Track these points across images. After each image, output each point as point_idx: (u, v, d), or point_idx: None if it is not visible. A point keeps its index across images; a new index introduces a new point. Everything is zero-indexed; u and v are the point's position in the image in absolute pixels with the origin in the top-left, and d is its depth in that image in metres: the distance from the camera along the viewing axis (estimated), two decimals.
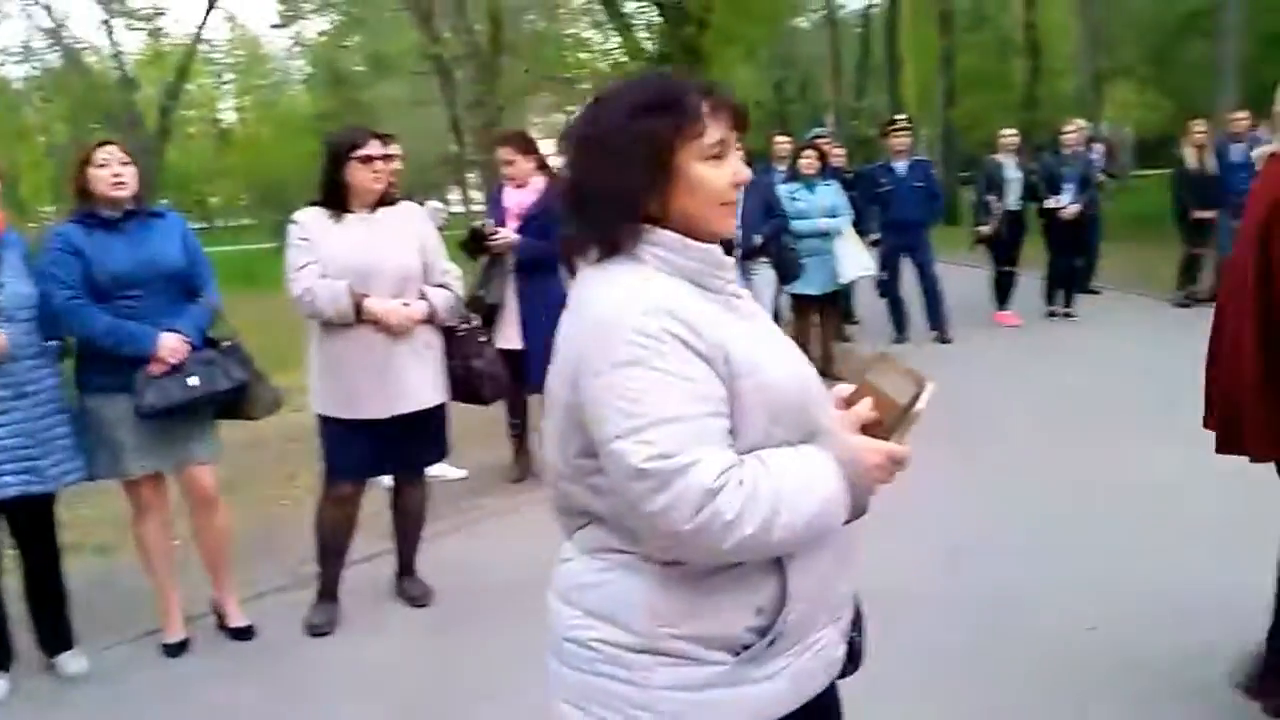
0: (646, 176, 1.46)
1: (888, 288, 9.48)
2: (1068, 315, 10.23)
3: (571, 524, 1.59)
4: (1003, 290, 10.29)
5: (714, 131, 1.48)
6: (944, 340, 9.31)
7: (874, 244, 9.24)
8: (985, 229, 10.00)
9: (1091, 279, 11.27)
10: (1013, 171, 9.99)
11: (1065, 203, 9.90)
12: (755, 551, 1.40)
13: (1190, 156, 10.24)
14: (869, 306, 10.08)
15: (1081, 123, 11.47)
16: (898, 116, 10.15)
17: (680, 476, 1.34)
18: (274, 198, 36.44)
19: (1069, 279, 10.41)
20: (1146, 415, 6.32)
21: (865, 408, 1.53)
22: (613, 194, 1.47)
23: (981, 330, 9.79)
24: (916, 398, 1.51)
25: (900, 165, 9.28)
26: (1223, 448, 2.89)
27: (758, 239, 7.07)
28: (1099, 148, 12.12)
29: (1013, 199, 9.98)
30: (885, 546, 3.75)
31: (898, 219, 9.20)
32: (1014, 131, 10.38)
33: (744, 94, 23.36)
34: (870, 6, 30.07)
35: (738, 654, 1.47)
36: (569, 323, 1.53)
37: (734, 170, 1.51)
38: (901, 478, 1.54)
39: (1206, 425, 2.99)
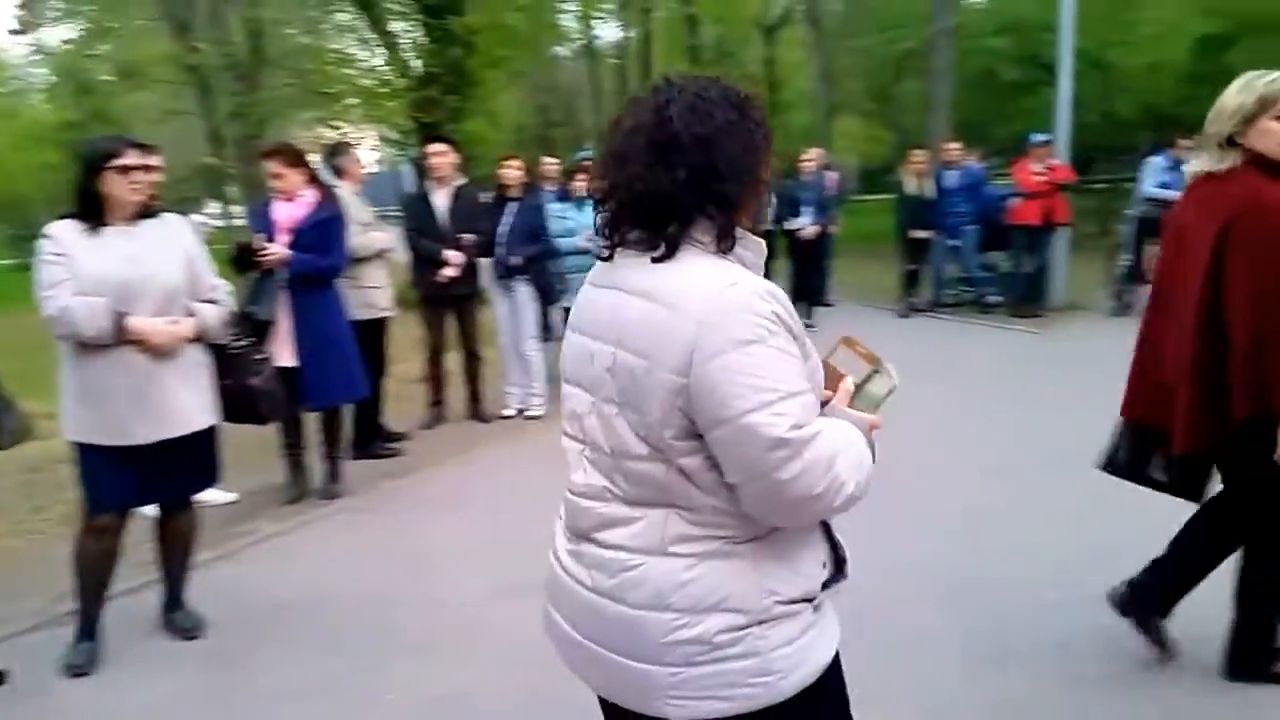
0: (766, 169, 1.56)
1: None
2: (809, 326, 10.73)
3: (624, 516, 1.58)
4: None
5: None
6: None
7: None
8: None
9: (826, 293, 11.89)
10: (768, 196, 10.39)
11: (805, 224, 10.42)
12: (844, 509, 1.51)
13: (910, 183, 11.00)
14: None
15: (819, 151, 12.11)
16: None
17: (810, 445, 1.44)
18: (12, 212, 33.09)
19: (810, 293, 10.96)
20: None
21: (848, 385, 1.65)
22: (751, 183, 1.54)
23: None
24: (869, 378, 1.66)
25: None
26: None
27: (517, 259, 7.02)
28: (833, 175, 12.80)
29: (768, 220, 10.40)
30: None
31: None
32: None
33: (509, 117, 23.25)
34: (625, 39, 30.63)
35: (811, 601, 1.59)
36: (649, 311, 1.50)
37: None
38: None
39: (1124, 413, 3.19)
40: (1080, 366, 7.68)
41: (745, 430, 1.42)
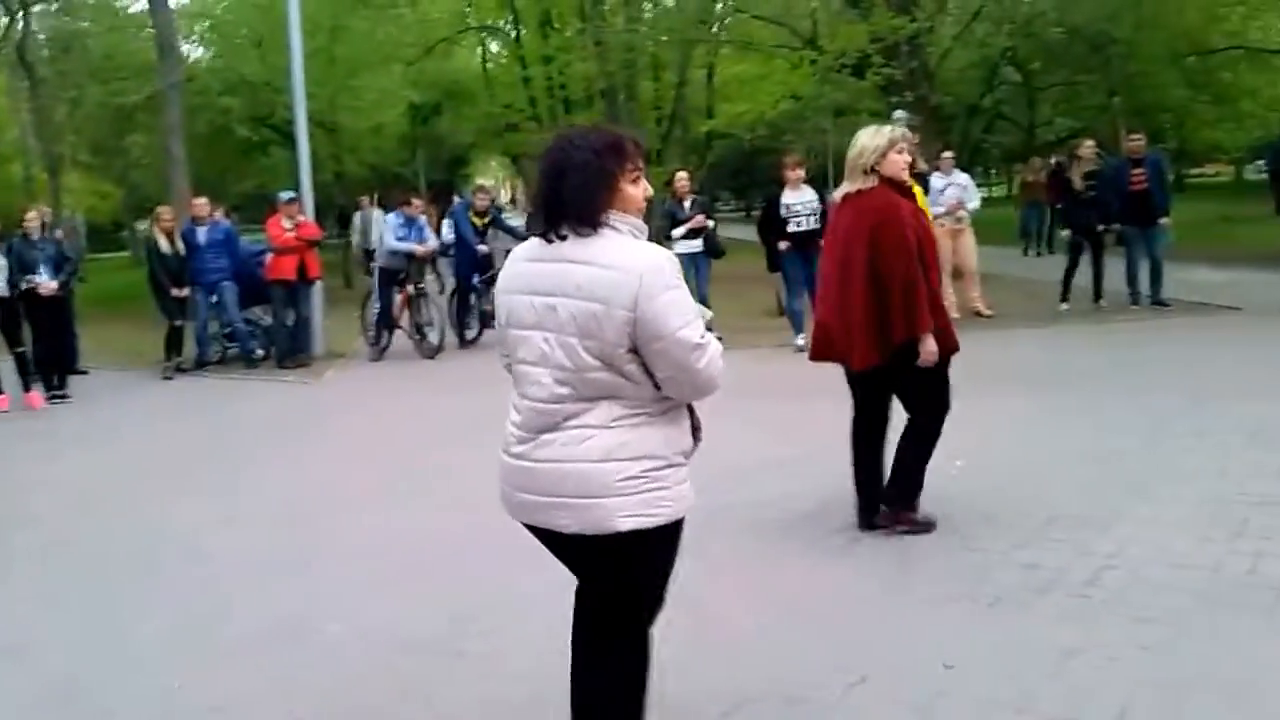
0: (606, 189, 2.34)
1: None
2: (64, 398, 9.58)
3: (579, 410, 2.33)
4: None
5: (637, 164, 2.40)
6: None
7: None
8: None
9: (77, 359, 10.73)
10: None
11: (41, 281, 9.31)
12: (717, 389, 2.38)
13: (162, 240, 10.51)
14: None
15: (43, 208, 10.96)
16: None
17: (710, 346, 2.31)
18: None
19: (59, 360, 9.80)
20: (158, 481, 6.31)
21: None
22: (591, 196, 2.32)
23: None
24: None
25: None
26: (826, 360, 4.55)
27: None
28: (66, 230, 11.65)
29: (2, 283, 9.10)
30: None
31: None
32: None
33: None
34: None
35: (686, 458, 2.46)
36: (587, 274, 2.29)
37: (645, 188, 2.43)
38: None
39: (814, 358, 4.64)
40: (370, 403, 8.03)
41: (678, 341, 2.27)
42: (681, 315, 2.28)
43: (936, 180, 10.99)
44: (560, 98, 24.10)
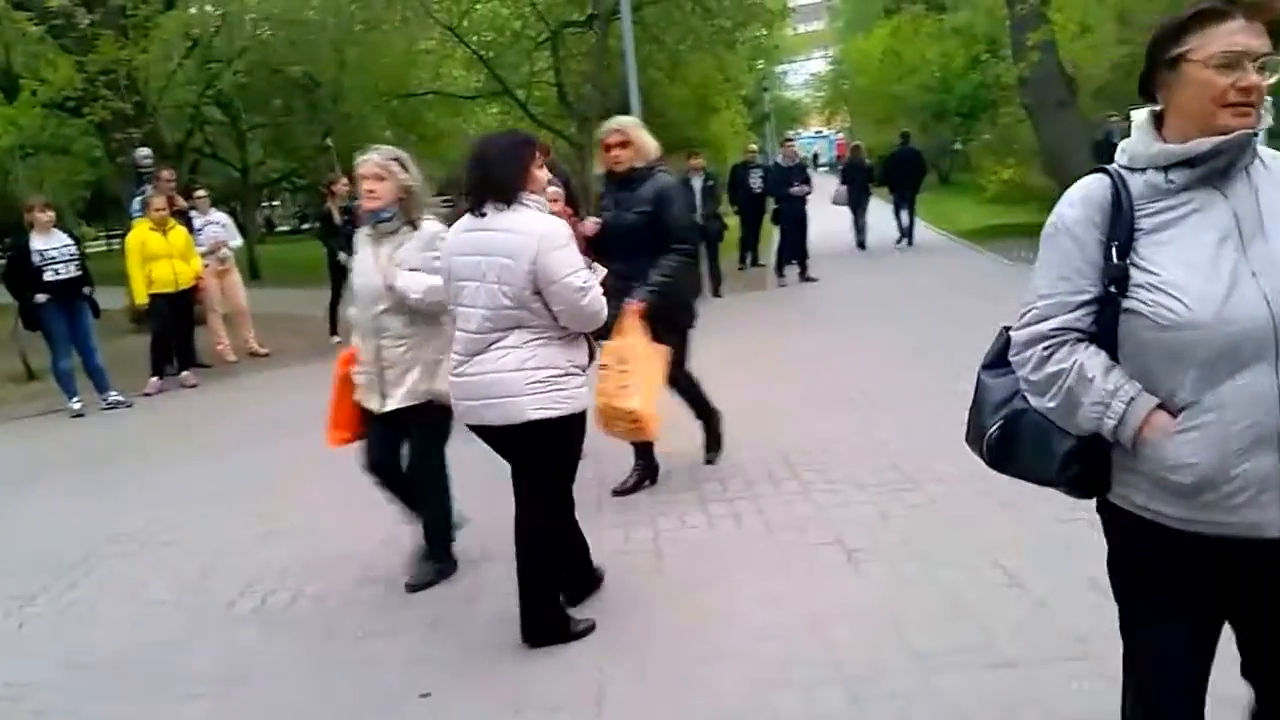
0: (520, 172, 3.53)
1: None
2: None
3: (498, 336, 3.50)
4: None
5: (539, 157, 3.62)
6: None
7: None
8: None
9: None
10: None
11: None
12: (601, 323, 3.67)
13: None
14: None
15: None
16: None
17: (593, 288, 3.53)
18: None
19: None
20: None
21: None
22: (510, 179, 3.51)
23: None
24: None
25: None
26: None
27: None
28: None
29: None
30: None
31: None
32: None
33: None
34: None
35: (582, 370, 3.64)
36: (503, 238, 3.46)
37: (545, 172, 3.64)
38: None
39: None
40: None
41: (565, 285, 3.44)
42: (567, 266, 3.43)
43: (196, 219, 10.74)
44: None
